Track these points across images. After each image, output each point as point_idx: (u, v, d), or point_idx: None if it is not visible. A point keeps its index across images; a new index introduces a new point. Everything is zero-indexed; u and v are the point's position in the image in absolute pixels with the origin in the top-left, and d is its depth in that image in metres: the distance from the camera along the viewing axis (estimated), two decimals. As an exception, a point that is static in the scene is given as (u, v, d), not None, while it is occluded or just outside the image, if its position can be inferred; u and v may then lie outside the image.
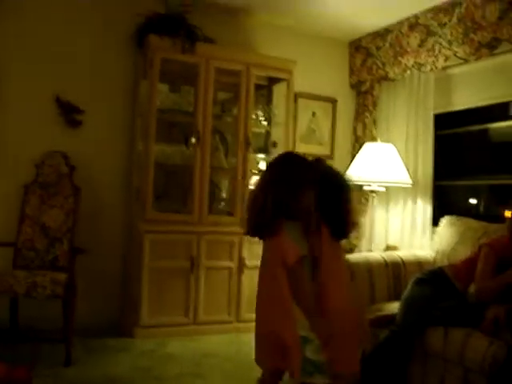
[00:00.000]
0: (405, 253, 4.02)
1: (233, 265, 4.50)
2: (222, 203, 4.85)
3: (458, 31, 4.17)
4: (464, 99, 4.50)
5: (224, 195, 4.90)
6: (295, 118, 5.20)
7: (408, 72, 4.74)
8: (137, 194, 4.39)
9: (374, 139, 4.98)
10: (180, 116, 4.61)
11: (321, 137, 5.47)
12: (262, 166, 4.93)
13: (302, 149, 5.17)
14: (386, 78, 5.04)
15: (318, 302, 2.27)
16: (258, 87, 4.85)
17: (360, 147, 4.86)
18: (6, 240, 3.88)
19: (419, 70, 4.61)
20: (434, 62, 4.43)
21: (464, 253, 3.46)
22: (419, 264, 3.81)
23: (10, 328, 3.78)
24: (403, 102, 4.81)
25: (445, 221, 3.98)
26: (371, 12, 4.71)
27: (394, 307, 3.26)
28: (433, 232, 4.35)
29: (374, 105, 5.21)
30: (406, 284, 3.29)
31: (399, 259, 3.80)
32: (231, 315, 4.50)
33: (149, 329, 4.19)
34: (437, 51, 4.38)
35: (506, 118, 4.40)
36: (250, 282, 4.43)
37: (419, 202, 4.59)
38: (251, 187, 4.74)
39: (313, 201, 2.29)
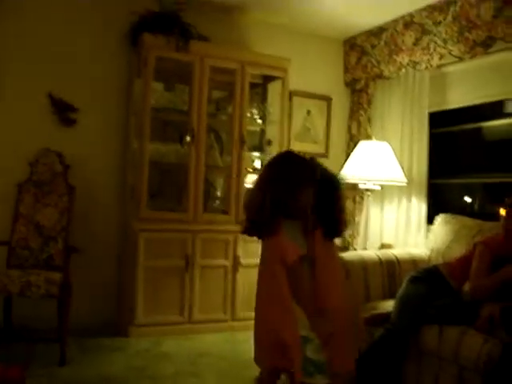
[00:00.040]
0: (399, 251, 4.02)
1: (228, 263, 4.49)
2: (217, 202, 4.84)
3: (453, 30, 4.18)
4: (459, 97, 4.50)
5: (219, 194, 4.89)
6: (290, 116, 5.20)
7: (403, 70, 4.74)
8: (131, 192, 4.38)
9: (368, 137, 4.98)
10: (175, 114, 4.60)
11: (315, 135, 5.47)
12: (257, 164, 4.93)
13: (296, 147, 5.16)
14: (380, 76, 5.04)
15: (316, 302, 2.27)
16: (253, 85, 4.84)
17: (355, 145, 4.86)
18: (-1, 239, 3.87)
19: (414, 68, 4.61)
20: (428, 60, 4.44)
21: (459, 251, 3.47)
22: (414, 262, 3.81)
23: (3, 327, 3.77)
24: (398, 100, 4.81)
25: (439, 219, 3.99)
26: (366, 10, 4.71)
27: (388, 305, 3.26)
28: (427, 230, 4.36)
29: (369, 103, 5.21)
30: (401, 282, 3.28)
31: (394, 257, 3.80)
32: (226, 314, 4.49)
33: (144, 328, 4.18)
34: (432, 49, 4.39)
35: (500, 116, 4.41)
36: (245, 280, 4.44)
37: (414, 200, 4.59)
38: (248, 186, 4.74)
39: (311, 199, 2.29)
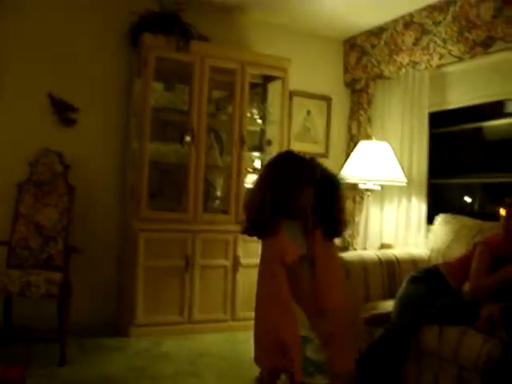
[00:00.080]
0: (399, 251, 4.02)
1: (228, 263, 4.49)
2: (217, 201, 4.84)
3: (453, 30, 4.18)
4: (458, 97, 4.50)
5: (219, 193, 4.89)
6: (290, 116, 5.20)
7: (403, 70, 4.74)
8: (131, 192, 4.38)
9: (368, 137, 4.98)
10: (175, 115, 4.60)
11: (315, 135, 5.47)
12: (257, 164, 4.93)
13: (296, 147, 5.15)
14: (380, 76, 5.03)
15: (316, 302, 2.27)
16: (253, 85, 4.84)
17: (355, 145, 4.86)
18: (-1, 239, 3.87)
19: (414, 68, 4.62)
20: (428, 60, 4.44)
21: (459, 251, 3.47)
22: (414, 262, 3.81)
23: (3, 327, 3.77)
24: (398, 100, 4.81)
25: (439, 219, 3.99)
26: (366, 10, 4.71)
27: (388, 305, 3.25)
28: (427, 230, 4.36)
29: (369, 103, 5.20)
30: (401, 282, 3.28)
31: (394, 257, 3.80)
32: (226, 314, 4.49)
33: (144, 328, 4.18)
34: (431, 49, 4.39)
35: (500, 116, 4.41)
36: (245, 280, 4.44)
37: (414, 200, 4.59)
38: (248, 186, 4.74)
39: (311, 199, 2.29)
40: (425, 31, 4.46)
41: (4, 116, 4.19)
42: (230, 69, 4.57)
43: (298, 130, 5.37)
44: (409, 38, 4.64)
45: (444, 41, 4.26)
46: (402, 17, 4.72)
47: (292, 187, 2.25)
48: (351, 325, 2.34)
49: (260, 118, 4.92)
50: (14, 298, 3.62)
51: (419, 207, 4.57)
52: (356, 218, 5.18)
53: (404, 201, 4.67)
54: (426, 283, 3.14)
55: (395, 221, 4.76)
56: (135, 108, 4.42)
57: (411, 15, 4.62)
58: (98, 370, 3.38)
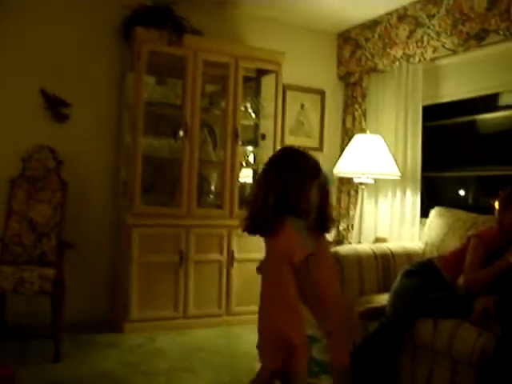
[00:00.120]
0: (394, 245, 4.02)
1: (222, 258, 4.48)
2: (211, 196, 4.82)
3: (447, 22, 4.17)
4: (452, 90, 4.49)
5: (213, 188, 4.88)
6: (284, 110, 5.17)
7: (397, 63, 4.73)
8: (124, 187, 4.36)
9: (363, 131, 4.96)
10: (168, 109, 4.58)
11: (309, 129, 5.46)
12: (251, 158, 4.91)
13: (290, 141, 5.15)
14: (374, 69, 5.02)
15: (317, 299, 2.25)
16: (247, 79, 4.82)
17: (349, 139, 4.85)
18: (-8, 235, 3.84)
19: (408, 61, 4.60)
20: (422, 53, 4.43)
21: (453, 244, 3.47)
22: (408, 256, 3.81)
23: (-3, 324, 3.76)
24: (392, 93, 4.80)
25: (434, 212, 3.98)
26: (360, 3, 4.69)
27: (383, 299, 3.25)
28: (422, 224, 4.35)
29: (363, 96, 5.19)
30: (396, 276, 3.28)
31: (388, 251, 3.79)
32: (221, 308, 4.49)
33: (138, 323, 4.17)
34: (425, 42, 4.38)
35: (494, 109, 4.40)
36: (240, 275, 4.43)
37: (408, 193, 4.59)
38: (242, 180, 4.73)
39: (317, 195, 2.25)
40: (419, 24, 4.45)
41: (-4, 111, 4.16)
42: (223, 63, 4.55)
43: (291, 123, 5.35)
44: (403, 31, 4.63)
45: (438, 34, 4.25)
46: (396, 10, 4.71)
47: (301, 183, 2.20)
48: (345, 319, 2.33)
49: (254, 112, 4.90)
50: (8, 294, 3.61)
51: (413, 201, 4.56)
52: (351, 212, 5.18)
53: (398, 194, 4.67)
54: (420, 277, 3.14)
55: (389, 214, 4.75)
56: (128, 102, 4.39)
57: (405, 8, 4.61)
58: (92, 366, 3.38)
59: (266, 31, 5.10)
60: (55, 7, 4.33)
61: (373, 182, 4.66)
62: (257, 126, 5.03)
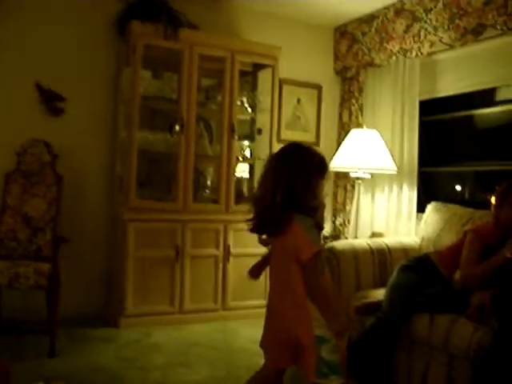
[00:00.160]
0: (390, 239, 4.02)
1: (218, 253, 4.47)
2: (207, 191, 4.81)
3: (444, 17, 4.16)
4: (449, 85, 4.48)
5: (209, 183, 4.86)
6: (280, 104, 5.15)
7: (393, 58, 4.71)
8: (120, 181, 4.34)
9: (359, 126, 4.95)
10: (163, 103, 4.56)
11: (306, 124, 5.44)
12: (248, 153, 4.90)
13: (287, 136, 5.15)
14: (371, 64, 5.01)
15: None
16: (243, 73, 4.80)
17: (346, 134, 4.84)
18: (-14, 230, 3.82)
19: (405, 55, 4.59)
20: (419, 47, 4.41)
21: (450, 239, 3.46)
22: (405, 251, 3.81)
23: (-8, 319, 3.74)
24: (389, 88, 4.78)
25: (430, 207, 3.98)
26: (357, -3, 4.68)
27: (379, 294, 3.25)
28: (418, 218, 4.35)
29: (360, 91, 5.18)
30: (392, 271, 3.28)
31: (385, 246, 3.79)
32: (217, 303, 4.47)
33: (134, 318, 4.16)
34: (422, 37, 4.37)
35: (491, 104, 4.40)
36: (236, 269, 4.42)
37: (405, 188, 4.58)
38: (238, 175, 4.72)
39: (323, 191, 2.23)
40: (416, 19, 4.43)
41: (-10, 105, 4.13)
42: (219, 57, 4.53)
43: (288, 118, 5.34)
44: (400, 25, 4.62)
45: (435, 28, 4.24)
46: (393, 4, 4.69)
47: (307, 178, 2.16)
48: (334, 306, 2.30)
49: (250, 107, 4.89)
50: (3, 289, 3.58)
51: (410, 196, 4.56)
52: (347, 207, 5.17)
53: (395, 189, 4.66)
54: (417, 272, 3.14)
55: (386, 209, 4.75)
56: (124, 96, 4.37)
57: (402, 2, 4.59)
58: (88, 361, 3.37)
59: (262, 25, 5.08)
60: (51, 3, 4.30)
61: (369, 176, 4.65)
62: (253, 121, 5.02)
